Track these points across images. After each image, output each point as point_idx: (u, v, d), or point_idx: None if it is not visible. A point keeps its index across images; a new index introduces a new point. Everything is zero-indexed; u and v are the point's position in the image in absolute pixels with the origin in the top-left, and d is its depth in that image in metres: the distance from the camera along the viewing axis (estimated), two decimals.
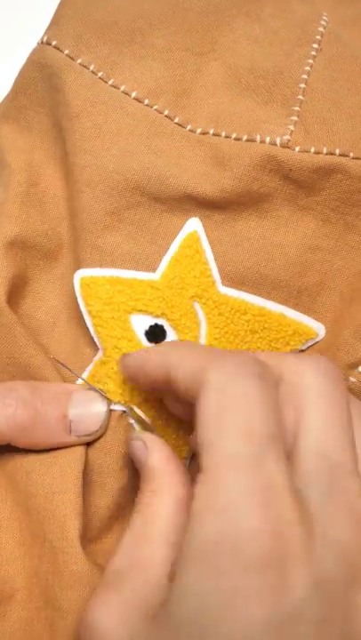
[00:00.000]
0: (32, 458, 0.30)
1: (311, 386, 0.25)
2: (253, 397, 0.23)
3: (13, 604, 0.28)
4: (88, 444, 0.31)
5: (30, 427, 0.28)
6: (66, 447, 0.30)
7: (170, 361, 0.26)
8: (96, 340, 0.31)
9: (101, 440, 0.31)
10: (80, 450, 0.30)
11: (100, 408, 0.30)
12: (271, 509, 0.22)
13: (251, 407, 0.23)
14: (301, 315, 0.32)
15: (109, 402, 0.30)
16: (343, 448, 0.24)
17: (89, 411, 0.30)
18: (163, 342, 0.31)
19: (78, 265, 0.32)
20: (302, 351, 0.32)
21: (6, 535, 0.29)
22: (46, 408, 0.29)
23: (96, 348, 0.31)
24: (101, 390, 0.31)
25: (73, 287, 0.32)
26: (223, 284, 0.31)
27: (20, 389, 0.29)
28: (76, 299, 0.32)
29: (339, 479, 0.23)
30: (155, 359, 0.27)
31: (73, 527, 0.28)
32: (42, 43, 0.32)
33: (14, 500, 0.29)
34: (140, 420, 0.30)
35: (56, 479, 0.29)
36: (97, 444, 0.31)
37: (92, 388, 0.31)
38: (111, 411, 0.31)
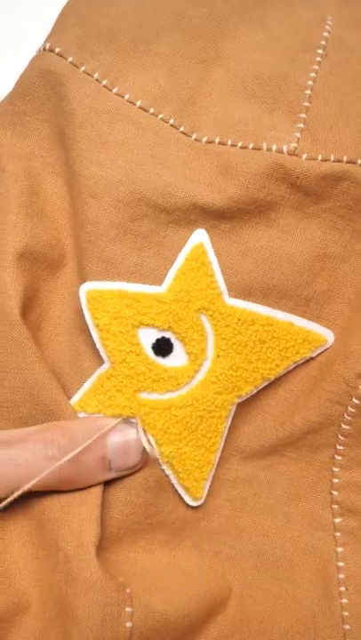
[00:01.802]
0: None
1: None
2: None
3: (27, 617, 0.28)
4: None
5: (75, 476, 0.29)
6: None
7: None
8: (102, 353, 0.31)
9: None
10: None
11: (137, 442, 0.30)
12: None
13: None
14: (310, 322, 0.32)
15: (145, 434, 0.31)
16: None
17: (126, 447, 0.30)
18: None
19: (83, 276, 0.31)
20: (312, 358, 0.32)
21: (19, 549, 0.29)
22: (86, 455, 0.29)
23: (97, 361, 0.31)
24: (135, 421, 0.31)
25: (75, 297, 0.32)
26: (230, 295, 0.31)
27: (58, 439, 0.28)
28: (77, 309, 0.31)
29: None
30: None
31: (89, 536, 0.29)
32: (44, 49, 0.32)
33: (27, 515, 0.29)
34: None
35: (74, 493, 0.29)
36: None
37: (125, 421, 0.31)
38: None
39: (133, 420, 0.30)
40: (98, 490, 0.30)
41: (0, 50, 0.40)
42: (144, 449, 0.30)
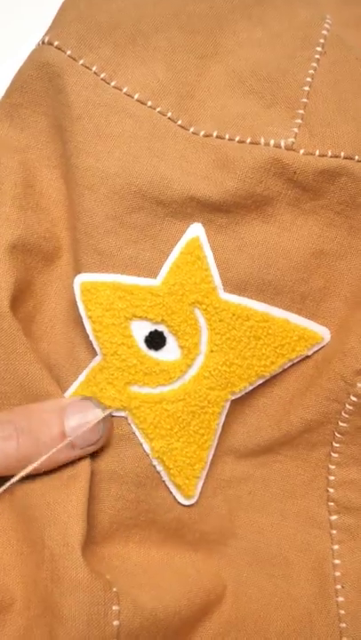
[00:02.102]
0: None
1: None
2: None
3: (12, 614, 0.28)
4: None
5: (35, 454, 0.28)
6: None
7: None
8: (95, 345, 0.31)
9: (105, 446, 0.31)
10: (86, 459, 0.30)
11: (96, 415, 0.30)
12: None
13: None
14: (306, 320, 0.32)
15: (104, 406, 0.30)
16: None
17: (85, 421, 0.30)
18: None
19: (78, 268, 0.31)
20: (308, 357, 0.32)
21: (3, 545, 0.29)
22: (44, 431, 0.29)
23: (92, 353, 0.31)
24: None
25: (71, 289, 0.32)
26: (225, 290, 0.31)
27: (16, 419, 0.29)
28: (73, 301, 0.31)
29: None
30: None
31: (74, 533, 0.28)
32: (43, 43, 0.32)
33: (13, 511, 0.29)
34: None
35: (59, 490, 0.29)
36: (100, 450, 0.31)
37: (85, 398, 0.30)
38: (112, 416, 0.30)
39: (96, 400, 0.30)
40: (83, 486, 0.29)
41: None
42: (105, 423, 0.30)
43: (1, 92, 0.34)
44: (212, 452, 0.31)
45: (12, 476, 0.29)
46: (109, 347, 0.30)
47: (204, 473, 0.31)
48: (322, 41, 0.33)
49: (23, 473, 0.28)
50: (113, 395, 0.30)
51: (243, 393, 0.31)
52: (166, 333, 0.31)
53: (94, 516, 0.31)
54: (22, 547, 0.29)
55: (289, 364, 0.32)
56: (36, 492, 0.29)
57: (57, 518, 0.29)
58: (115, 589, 0.28)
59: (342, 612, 0.31)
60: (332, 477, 0.32)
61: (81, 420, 0.29)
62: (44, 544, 0.28)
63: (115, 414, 0.31)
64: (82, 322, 0.31)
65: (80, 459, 0.30)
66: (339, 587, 0.31)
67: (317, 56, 0.32)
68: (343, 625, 0.31)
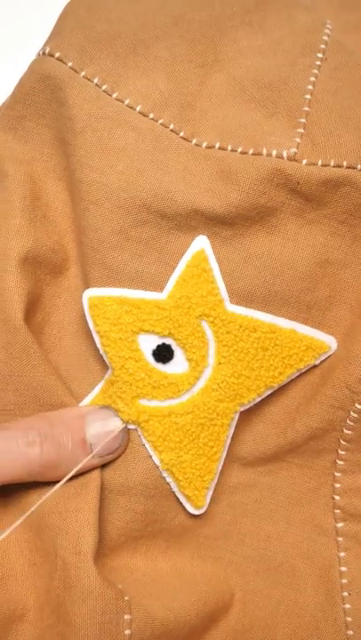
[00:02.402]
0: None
1: None
2: None
3: (25, 624, 0.28)
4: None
5: (57, 461, 0.29)
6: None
7: None
8: (105, 359, 0.31)
9: (114, 458, 0.31)
10: (96, 469, 0.30)
11: (116, 424, 0.30)
12: None
13: None
14: (313, 329, 0.32)
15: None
16: None
17: (106, 429, 0.30)
18: None
19: (86, 282, 0.32)
20: (315, 366, 0.32)
21: (16, 556, 0.29)
22: (67, 437, 0.29)
23: (105, 365, 0.32)
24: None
25: (78, 302, 0.32)
26: (232, 301, 0.31)
27: (38, 425, 0.29)
28: (82, 313, 0.32)
29: None
30: None
31: (87, 543, 0.29)
32: (44, 54, 0.32)
33: (25, 522, 0.29)
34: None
35: (70, 499, 0.29)
36: (110, 462, 0.31)
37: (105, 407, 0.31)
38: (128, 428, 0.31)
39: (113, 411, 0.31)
40: (94, 494, 0.30)
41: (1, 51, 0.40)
42: (123, 432, 0.30)
43: (1, 99, 0.34)
44: (222, 463, 0.32)
45: (31, 482, 0.29)
46: (117, 361, 0.31)
47: (214, 484, 0.32)
48: (323, 47, 0.33)
49: (48, 495, 0.28)
50: (122, 408, 0.31)
51: (251, 404, 0.31)
52: (174, 346, 0.31)
53: (103, 528, 0.31)
54: (35, 557, 0.29)
55: (297, 374, 0.32)
56: (48, 501, 0.29)
57: (69, 527, 0.29)
58: (127, 598, 0.28)
59: (349, 619, 0.31)
60: (337, 485, 0.32)
61: (102, 428, 0.30)
62: (57, 553, 0.29)
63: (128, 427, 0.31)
64: (92, 334, 0.31)
65: (92, 469, 0.30)
66: (345, 594, 0.31)
67: (318, 62, 0.32)
68: (350, 632, 0.31)
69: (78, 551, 0.28)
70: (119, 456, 0.31)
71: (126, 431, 0.30)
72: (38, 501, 0.28)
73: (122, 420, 0.31)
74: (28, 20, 0.39)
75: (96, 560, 0.29)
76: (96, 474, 0.30)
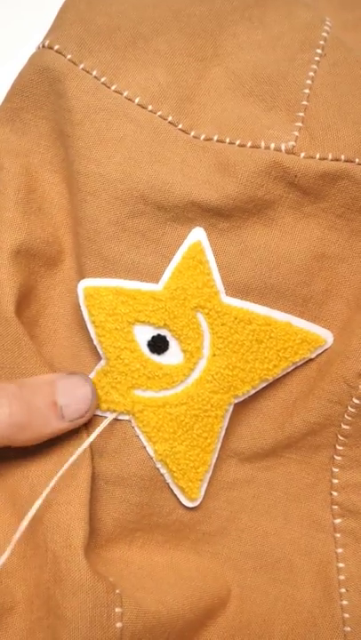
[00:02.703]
0: (37, 471, 0.30)
1: None
2: None
3: (14, 616, 0.28)
4: (95, 453, 0.31)
5: (27, 422, 0.28)
6: (73, 451, 0.30)
7: None
8: (99, 349, 0.31)
9: (107, 448, 0.31)
10: (86, 462, 0.30)
11: (86, 389, 0.30)
12: None
13: None
14: (308, 323, 0.32)
15: (92, 382, 0.31)
16: None
17: (76, 394, 0.30)
18: None
19: (81, 273, 0.32)
20: (311, 360, 0.32)
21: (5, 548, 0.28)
22: (37, 400, 0.29)
23: (97, 357, 0.32)
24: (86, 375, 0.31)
25: (73, 294, 0.32)
26: (227, 293, 0.31)
27: (7, 387, 0.29)
28: (76, 305, 0.32)
29: None
30: None
31: (77, 536, 0.28)
32: (43, 46, 0.32)
33: (14, 513, 0.29)
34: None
35: (61, 491, 0.29)
36: (103, 452, 0.31)
37: (74, 372, 0.31)
38: (117, 419, 0.31)
39: (84, 375, 0.31)
40: (85, 486, 0.30)
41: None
42: (92, 397, 0.30)
43: (0, 96, 0.34)
44: (216, 455, 0.32)
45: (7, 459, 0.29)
46: (112, 351, 0.31)
47: (208, 476, 0.32)
48: (322, 43, 0.33)
49: (39, 501, 0.28)
50: (117, 398, 0.31)
51: (246, 396, 0.31)
52: (169, 337, 0.31)
53: (98, 519, 0.31)
54: (25, 549, 0.29)
55: (292, 368, 0.32)
56: (39, 494, 0.29)
57: (59, 520, 0.29)
58: (118, 591, 0.28)
59: (347, 615, 0.31)
60: (335, 480, 0.32)
61: (71, 392, 0.30)
62: (47, 546, 0.28)
63: (119, 418, 0.31)
64: (85, 326, 0.31)
65: (82, 461, 0.30)
66: (343, 590, 0.31)
67: (317, 58, 0.32)
68: (348, 629, 0.31)
69: (69, 544, 0.28)
70: (89, 419, 0.31)
71: (95, 395, 0.31)
72: (36, 502, 0.28)
73: (115, 410, 0.31)
74: (29, 16, 0.39)
75: (87, 553, 0.29)
76: (86, 466, 0.30)
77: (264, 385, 0.32)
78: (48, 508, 0.29)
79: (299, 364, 0.32)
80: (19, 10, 0.41)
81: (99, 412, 0.31)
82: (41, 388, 0.29)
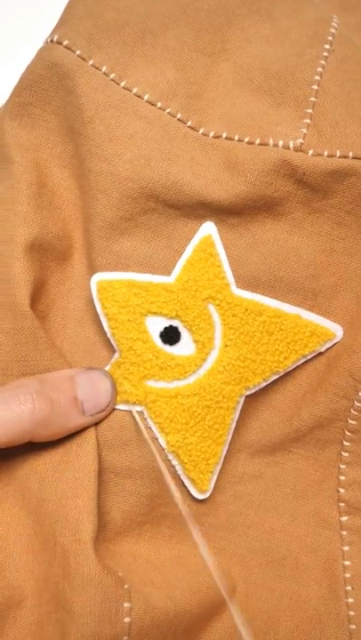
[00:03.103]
0: (44, 464, 0.30)
1: None
2: None
3: (23, 610, 0.28)
4: (105, 445, 0.31)
5: (49, 417, 0.29)
6: (80, 444, 0.30)
7: None
8: (112, 342, 0.31)
9: (118, 440, 0.31)
10: (92, 454, 0.30)
11: (106, 384, 0.31)
12: None
13: None
14: (318, 316, 0.32)
15: (111, 376, 0.31)
16: None
17: (96, 388, 0.30)
18: None
19: (93, 268, 0.32)
20: (322, 354, 0.32)
21: (14, 542, 0.29)
22: (58, 395, 0.29)
23: (111, 351, 0.32)
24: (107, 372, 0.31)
25: (84, 288, 0.32)
26: (238, 286, 0.32)
27: (29, 384, 0.29)
28: (87, 299, 0.32)
29: None
30: None
31: (86, 530, 0.29)
32: (52, 41, 0.32)
33: (23, 507, 0.29)
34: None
35: (69, 484, 0.29)
36: (114, 445, 0.31)
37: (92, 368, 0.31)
38: (129, 412, 0.31)
39: (103, 369, 0.31)
40: (92, 479, 0.30)
41: (1, 50, 0.40)
42: (112, 391, 0.31)
43: (3, 92, 0.34)
44: (226, 447, 0.32)
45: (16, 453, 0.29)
46: (125, 343, 0.31)
47: (218, 468, 0.32)
48: (330, 39, 0.33)
49: None
50: (130, 389, 0.31)
51: (257, 389, 0.32)
52: (181, 328, 0.31)
53: (108, 512, 0.31)
54: (34, 543, 0.29)
55: (303, 361, 0.32)
56: (48, 488, 0.29)
57: (68, 514, 0.29)
58: (126, 586, 0.28)
59: (352, 613, 0.31)
60: (342, 477, 0.32)
61: (91, 387, 0.30)
62: (56, 540, 0.29)
63: (133, 409, 0.31)
64: (98, 320, 0.32)
65: (88, 453, 0.30)
66: (349, 588, 0.31)
67: (326, 54, 0.33)
68: (353, 627, 0.31)
69: (78, 539, 0.28)
70: (109, 414, 0.31)
71: (115, 389, 0.31)
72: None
73: (128, 401, 0.31)
74: (30, 15, 0.40)
75: (96, 547, 0.29)
76: (93, 457, 0.30)
77: (275, 377, 0.32)
78: (56, 501, 0.29)
79: (309, 358, 0.32)
80: (19, 9, 0.41)
81: None
82: (62, 383, 0.30)
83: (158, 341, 0.31)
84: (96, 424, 0.31)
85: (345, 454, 0.32)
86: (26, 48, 0.34)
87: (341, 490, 0.32)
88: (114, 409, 0.31)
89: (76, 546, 0.28)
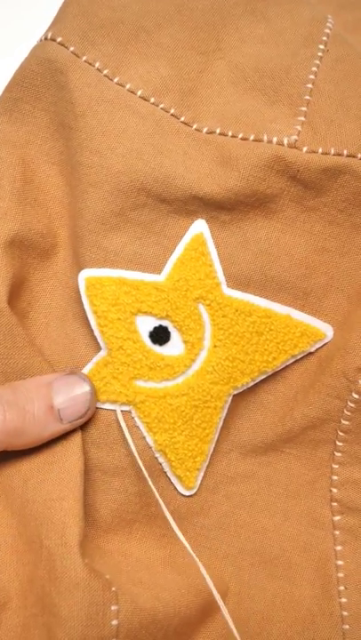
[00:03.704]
0: (29, 464, 0.30)
1: None
2: None
3: (7, 612, 0.28)
4: (92, 444, 0.31)
5: (21, 427, 0.29)
6: (65, 444, 0.30)
7: None
8: (100, 340, 0.31)
9: (105, 439, 0.31)
10: (77, 454, 0.30)
11: (83, 389, 0.30)
12: None
13: None
14: (309, 316, 0.32)
15: (90, 380, 0.31)
16: None
17: (73, 394, 0.30)
18: None
19: (80, 264, 0.32)
20: (311, 353, 0.32)
21: None
22: (32, 404, 0.29)
23: (92, 349, 0.32)
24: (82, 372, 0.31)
25: (67, 287, 0.32)
26: (228, 285, 0.32)
27: (1, 393, 0.29)
28: (70, 298, 0.32)
29: None
30: None
31: (72, 534, 0.29)
32: (46, 39, 0.33)
33: (7, 507, 0.30)
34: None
35: (55, 486, 0.29)
36: (101, 443, 0.31)
37: (72, 372, 0.31)
38: (115, 411, 0.31)
39: (82, 373, 0.31)
40: (78, 480, 0.30)
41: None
42: (91, 396, 0.30)
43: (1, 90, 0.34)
44: (213, 445, 0.32)
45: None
46: (115, 341, 0.31)
47: (205, 465, 0.32)
48: (325, 39, 0.33)
49: None
50: (118, 389, 0.31)
51: (245, 388, 0.32)
52: (170, 328, 0.31)
53: (97, 510, 0.31)
54: (18, 543, 0.29)
55: (292, 361, 0.32)
56: (32, 489, 0.29)
57: (53, 517, 0.29)
58: (114, 589, 0.28)
59: (345, 613, 0.31)
60: (335, 477, 0.32)
61: (69, 394, 0.30)
62: (42, 543, 0.29)
63: (122, 409, 0.31)
64: (81, 318, 0.32)
65: (73, 453, 0.30)
66: (342, 588, 0.31)
67: (320, 54, 0.33)
68: (346, 627, 0.30)
69: (64, 542, 0.28)
70: (88, 419, 0.31)
71: (94, 394, 0.31)
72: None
73: (116, 401, 0.31)
74: (29, 13, 0.39)
75: (85, 547, 0.29)
76: (78, 457, 0.30)
77: (263, 377, 0.32)
78: (41, 503, 0.29)
79: (299, 358, 0.32)
80: (19, 9, 0.41)
81: (98, 404, 0.31)
82: (37, 390, 0.29)
83: (148, 341, 0.31)
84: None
85: (338, 454, 0.32)
86: (23, 47, 0.34)
87: (334, 490, 0.32)
88: (96, 411, 0.31)
89: (63, 549, 0.28)
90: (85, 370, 0.31)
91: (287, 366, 0.32)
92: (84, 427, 0.31)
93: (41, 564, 0.28)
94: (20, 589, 0.28)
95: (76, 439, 0.30)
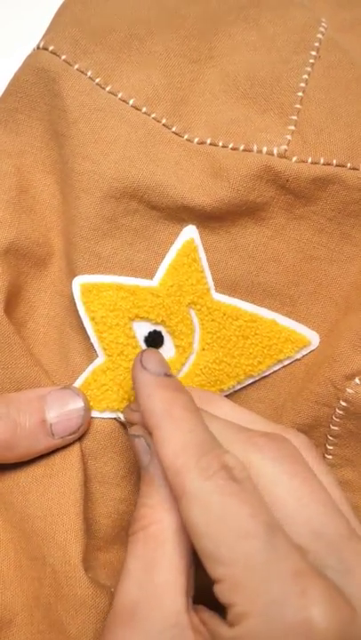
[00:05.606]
0: (28, 477, 0.31)
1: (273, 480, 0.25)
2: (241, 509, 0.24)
3: (14, 629, 0.28)
4: (90, 455, 0.32)
5: (12, 440, 0.29)
6: (64, 457, 0.30)
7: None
8: (97, 346, 0.33)
9: (103, 449, 0.32)
10: (77, 466, 0.31)
11: (77, 404, 0.31)
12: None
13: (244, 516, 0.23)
14: (295, 322, 0.34)
15: (84, 396, 0.31)
16: (330, 517, 0.24)
17: (67, 409, 0.30)
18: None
19: (74, 271, 0.34)
20: (299, 361, 0.33)
21: (1, 558, 0.29)
22: (23, 418, 0.29)
23: (87, 357, 0.33)
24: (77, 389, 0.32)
25: (63, 296, 0.33)
26: (217, 290, 0.34)
27: None
28: (66, 307, 0.33)
29: (343, 549, 0.24)
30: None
31: (75, 551, 0.30)
32: (38, 48, 0.34)
33: (8, 521, 0.30)
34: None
35: (54, 500, 0.30)
36: (99, 454, 0.32)
37: (66, 387, 0.32)
38: (116, 419, 0.32)
39: (76, 388, 0.32)
40: (79, 494, 0.30)
41: None
42: (85, 412, 0.31)
43: None
44: None
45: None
46: (116, 347, 0.32)
47: None
48: (317, 45, 0.34)
49: None
50: (121, 395, 0.32)
51: (231, 391, 0.33)
52: (164, 333, 0.33)
53: (98, 521, 0.32)
54: (21, 559, 0.29)
55: (279, 366, 0.34)
56: (32, 503, 0.31)
57: (55, 533, 0.30)
58: None
59: None
60: None
61: (62, 408, 0.30)
62: (45, 560, 0.30)
63: (121, 417, 0.32)
64: (76, 327, 0.33)
65: (73, 466, 0.31)
66: None
67: (312, 60, 0.34)
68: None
69: (67, 561, 0.29)
70: (81, 436, 0.31)
71: (88, 410, 0.31)
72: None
73: (118, 408, 0.32)
74: (26, 19, 0.39)
75: (87, 561, 0.30)
76: (77, 469, 0.31)
77: (250, 381, 0.34)
78: (42, 518, 0.30)
79: (286, 364, 0.34)
80: (18, 10, 0.40)
81: (96, 414, 0.32)
82: (30, 404, 0.30)
83: (144, 346, 0.32)
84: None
85: (328, 457, 0.34)
86: (22, 49, 0.34)
87: None
88: (94, 422, 0.31)
89: (67, 567, 0.29)
90: (81, 379, 0.32)
91: (275, 374, 0.33)
92: (82, 438, 0.31)
93: (46, 580, 0.29)
94: (26, 605, 0.28)
95: (76, 451, 0.31)
